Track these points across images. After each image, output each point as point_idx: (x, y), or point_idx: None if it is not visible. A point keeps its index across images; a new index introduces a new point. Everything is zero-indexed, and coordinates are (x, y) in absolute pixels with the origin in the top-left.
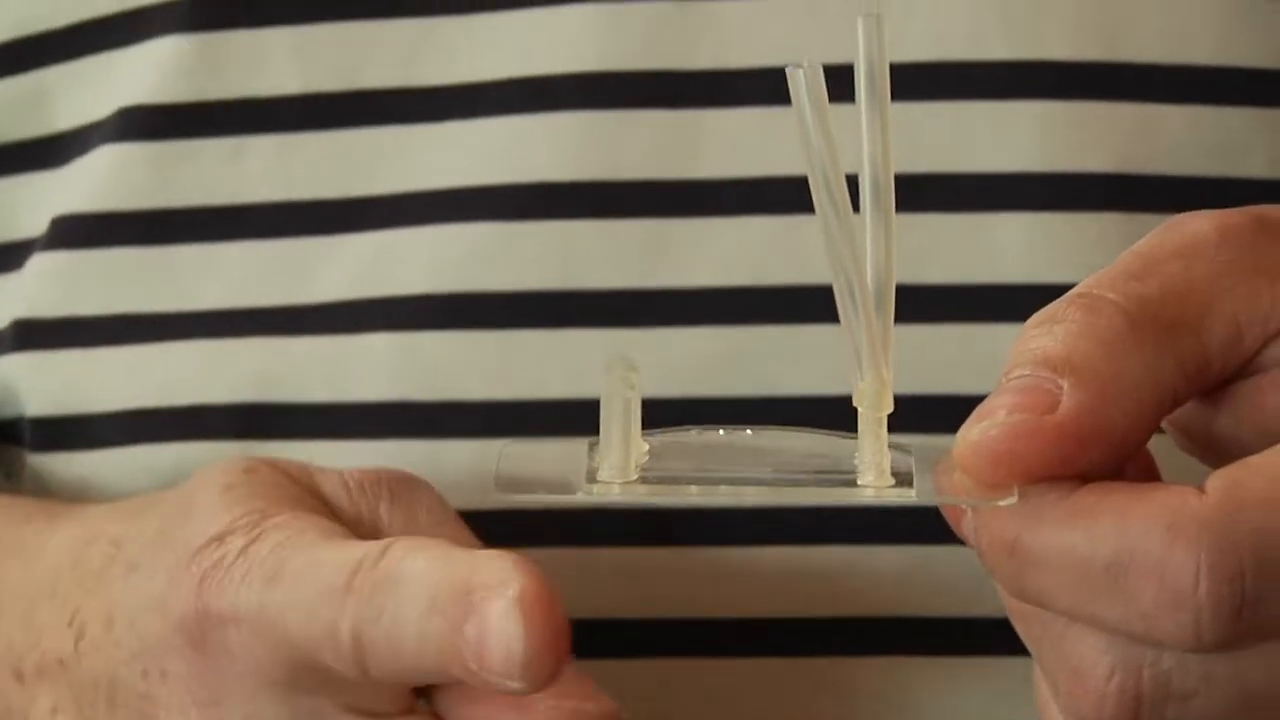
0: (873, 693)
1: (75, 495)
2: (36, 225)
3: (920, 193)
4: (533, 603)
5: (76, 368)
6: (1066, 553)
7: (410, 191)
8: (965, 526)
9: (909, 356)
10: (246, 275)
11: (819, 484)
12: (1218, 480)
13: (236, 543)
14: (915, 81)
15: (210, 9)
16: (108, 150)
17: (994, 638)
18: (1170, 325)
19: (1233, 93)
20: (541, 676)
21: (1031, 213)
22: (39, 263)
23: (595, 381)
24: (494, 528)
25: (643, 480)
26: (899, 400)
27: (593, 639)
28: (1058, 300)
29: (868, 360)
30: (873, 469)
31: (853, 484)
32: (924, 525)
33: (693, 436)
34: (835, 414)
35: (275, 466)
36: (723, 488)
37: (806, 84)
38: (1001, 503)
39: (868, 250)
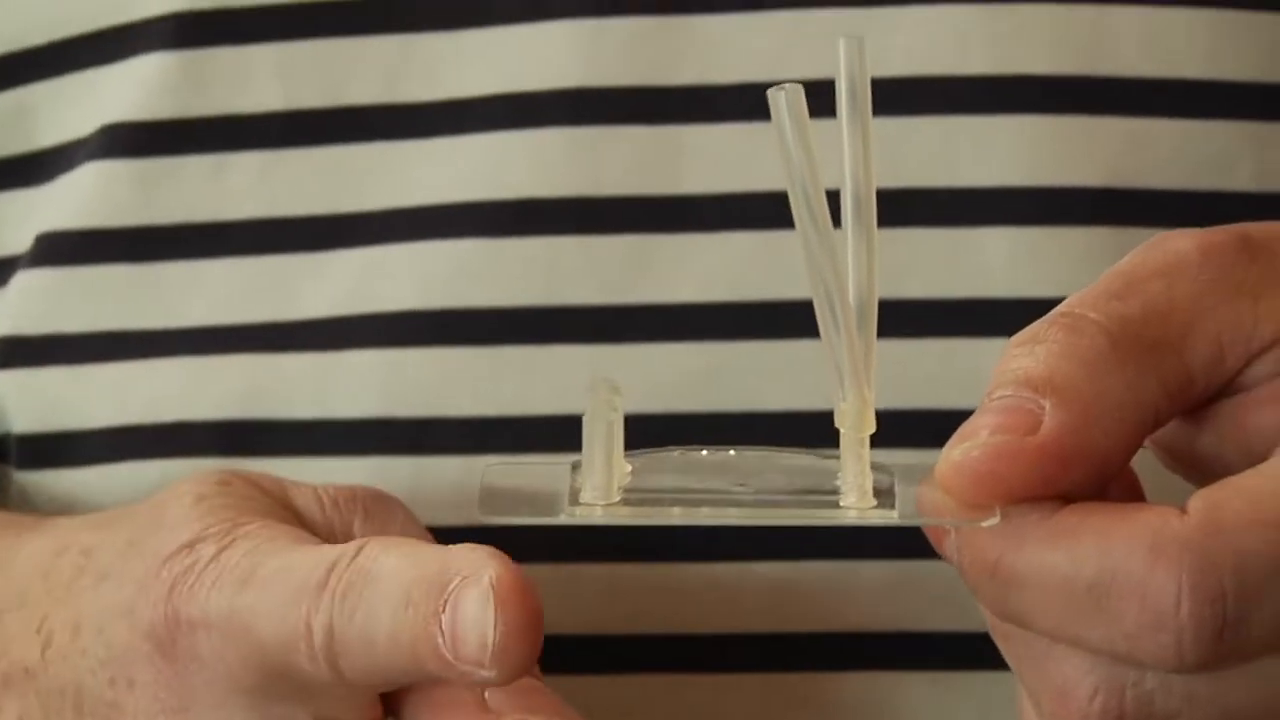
0: (858, 707)
1: (61, 511)
2: (21, 242)
3: (904, 208)
4: (507, 590)
5: (62, 385)
6: (1049, 573)
7: (394, 208)
8: (948, 546)
9: (892, 371)
10: (231, 292)
11: (801, 505)
12: (1199, 501)
13: (208, 550)
14: (899, 96)
15: (193, 26)
16: (92, 167)
17: (980, 652)
18: (1152, 345)
19: (1220, 106)
20: (513, 665)
21: (1016, 227)
22: (23, 280)
23: (580, 397)
24: (478, 543)
25: (625, 501)
26: (881, 415)
27: (577, 655)
28: (1040, 320)
29: (849, 380)
30: (855, 490)
31: (835, 505)
32: (909, 540)
33: (675, 457)
34: (817, 429)
35: (249, 479)
36: (705, 509)
37: (787, 105)
38: (984, 523)
39: (849, 267)
